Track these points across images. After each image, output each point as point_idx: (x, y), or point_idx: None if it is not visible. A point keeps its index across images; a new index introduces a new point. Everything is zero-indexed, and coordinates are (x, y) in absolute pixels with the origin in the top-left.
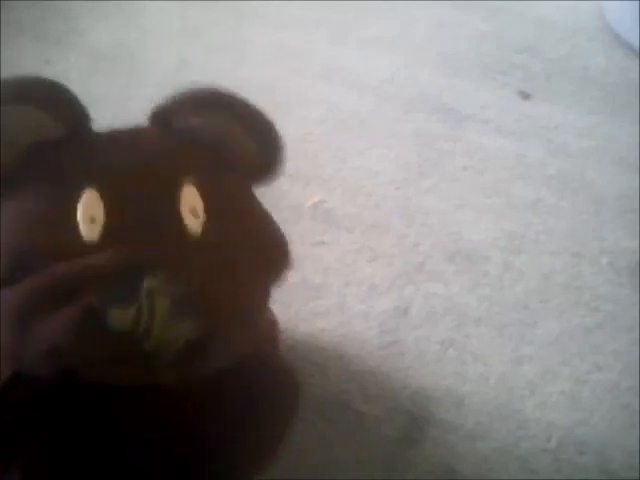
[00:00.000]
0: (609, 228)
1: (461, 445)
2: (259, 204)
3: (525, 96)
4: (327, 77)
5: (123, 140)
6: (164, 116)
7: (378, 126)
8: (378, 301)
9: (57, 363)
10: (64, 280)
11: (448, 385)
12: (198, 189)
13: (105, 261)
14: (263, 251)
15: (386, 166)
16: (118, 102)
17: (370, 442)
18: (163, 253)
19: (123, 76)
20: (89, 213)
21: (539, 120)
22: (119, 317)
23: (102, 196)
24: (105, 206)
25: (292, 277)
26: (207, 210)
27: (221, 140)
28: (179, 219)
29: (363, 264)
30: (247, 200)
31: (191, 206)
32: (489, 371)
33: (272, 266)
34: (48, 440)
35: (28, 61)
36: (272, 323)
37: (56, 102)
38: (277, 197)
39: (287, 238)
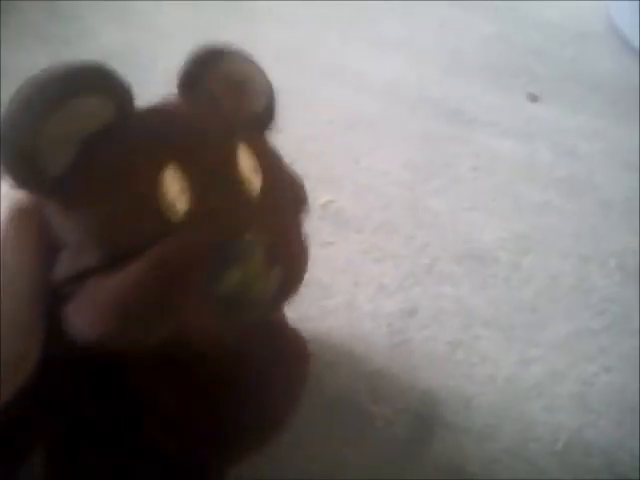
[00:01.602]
0: (617, 231)
1: (469, 446)
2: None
3: (533, 98)
4: (335, 77)
5: (171, 115)
6: (189, 82)
7: (386, 127)
8: (387, 301)
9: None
10: (167, 265)
11: (456, 386)
12: (251, 148)
13: (201, 238)
14: (295, 195)
15: (394, 167)
16: None
17: (378, 442)
18: (244, 215)
19: (133, 76)
20: (173, 191)
21: (547, 123)
22: (229, 284)
23: (182, 171)
24: (185, 180)
25: None
26: (261, 168)
27: (246, 82)
28: (242, 181)
29: (372, 264)
30: (276, 151)
31: (250, 166)
32: (497, 372)
33: (302, 206)
34: (70, 416)
35: (38, 62)
36: None
37: (109, 87)
38: None
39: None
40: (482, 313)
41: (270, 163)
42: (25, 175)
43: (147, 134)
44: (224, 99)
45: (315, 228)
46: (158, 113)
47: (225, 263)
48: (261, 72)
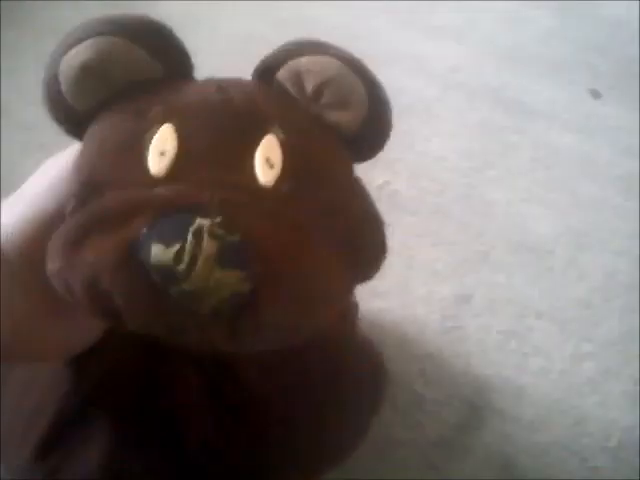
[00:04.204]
0: None
1: (519, 436)
2: (357, 181)
3: (596, 95)
4: (392, 62)
5: (216, 86)
6: (268, 67)
7: (443, 113)
8: (440, 286)
9: (94, 294)
10: (114, 210)
11: (508, 375)
12: (282, 141)
13: (161, 194)
14: (345, 231)
15: (451, 153)
16: None
17: (428, 425)
18: (224, 196)
19: (191, 45)
20: (160, 147)
21: (606, 120)
22: (161, 252)
23: (178, 133)
24: (178, 142)
25: None
26: (286, 165)
27: (330, 80)
28: (252, 167)
29: (426, 248)
30: (341, 172)
31: (267, 156)
32: (549, 365)
33: (353, 251)
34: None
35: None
36: (354, 305)
37: (158, 42)
38: None
39: (385, 229)
40: (536, 305)
41: (315, 177)
42: (52, 103)
43: (170, 94)
44: (297, 93)
45: None
46: (204, 84)
47: (157, 234)
48: (354, 82)
